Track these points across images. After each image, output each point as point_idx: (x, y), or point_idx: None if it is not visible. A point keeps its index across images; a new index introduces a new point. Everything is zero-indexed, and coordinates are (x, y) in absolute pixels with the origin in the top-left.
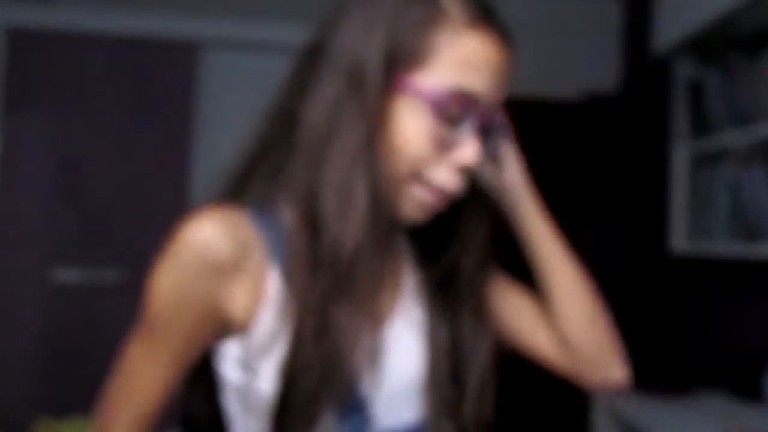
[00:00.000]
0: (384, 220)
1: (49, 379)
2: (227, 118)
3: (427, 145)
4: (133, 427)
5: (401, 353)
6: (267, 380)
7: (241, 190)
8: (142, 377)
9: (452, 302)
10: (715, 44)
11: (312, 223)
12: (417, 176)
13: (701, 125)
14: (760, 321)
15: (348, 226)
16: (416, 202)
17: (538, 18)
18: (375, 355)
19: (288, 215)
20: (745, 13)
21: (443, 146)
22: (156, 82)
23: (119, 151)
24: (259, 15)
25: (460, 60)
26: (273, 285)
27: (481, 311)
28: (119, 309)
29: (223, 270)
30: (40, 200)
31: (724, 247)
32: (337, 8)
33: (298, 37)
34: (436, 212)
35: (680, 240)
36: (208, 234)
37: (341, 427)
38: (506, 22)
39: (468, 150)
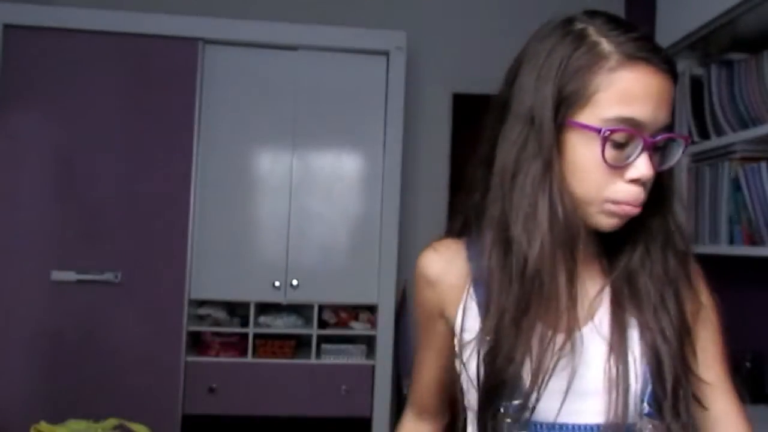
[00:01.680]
0: (564, 238)
1: (46, 381)
2: (229, 116)
3: (603, 170)
4: (415, 400)
5: (587, 358)
6: (471, 367)
7: (456, 223)
8: (420, 362)
9: (638, 305)
10: (717, 43)
11: (505, 245)
12: (603, 195)
13: (704, 124)
14: (765, 320)
15: (533, 245)
16: (607, 214)
17: (541, 17)
18: (551, 357)
19: (486, 240)
20: (747, 12)
21: (618, 167)
22: (157, 79)
23: (118, 149)
24: (259, 13)
25: (620, 94)
26: (472, 295)
27: (666, 311)
28: (118, 310)
29: (435, 283)
30: (36, 199)
31: (727, 245)
32: (514, 66)
33: (299, 36)
34: (628, 218)
35: None
36: (425, 259)
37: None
38: (665, 51)
39: (638, 166)
